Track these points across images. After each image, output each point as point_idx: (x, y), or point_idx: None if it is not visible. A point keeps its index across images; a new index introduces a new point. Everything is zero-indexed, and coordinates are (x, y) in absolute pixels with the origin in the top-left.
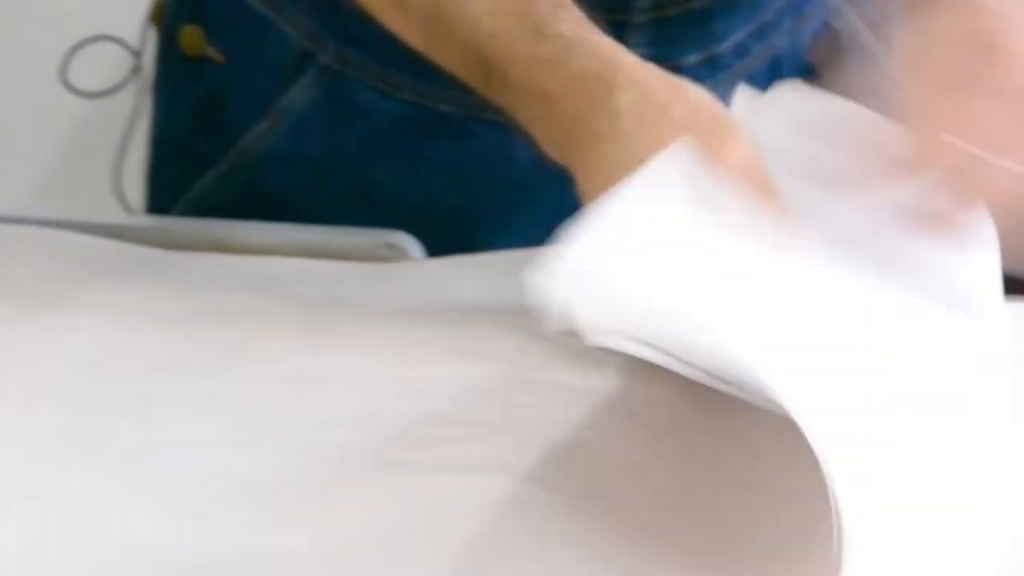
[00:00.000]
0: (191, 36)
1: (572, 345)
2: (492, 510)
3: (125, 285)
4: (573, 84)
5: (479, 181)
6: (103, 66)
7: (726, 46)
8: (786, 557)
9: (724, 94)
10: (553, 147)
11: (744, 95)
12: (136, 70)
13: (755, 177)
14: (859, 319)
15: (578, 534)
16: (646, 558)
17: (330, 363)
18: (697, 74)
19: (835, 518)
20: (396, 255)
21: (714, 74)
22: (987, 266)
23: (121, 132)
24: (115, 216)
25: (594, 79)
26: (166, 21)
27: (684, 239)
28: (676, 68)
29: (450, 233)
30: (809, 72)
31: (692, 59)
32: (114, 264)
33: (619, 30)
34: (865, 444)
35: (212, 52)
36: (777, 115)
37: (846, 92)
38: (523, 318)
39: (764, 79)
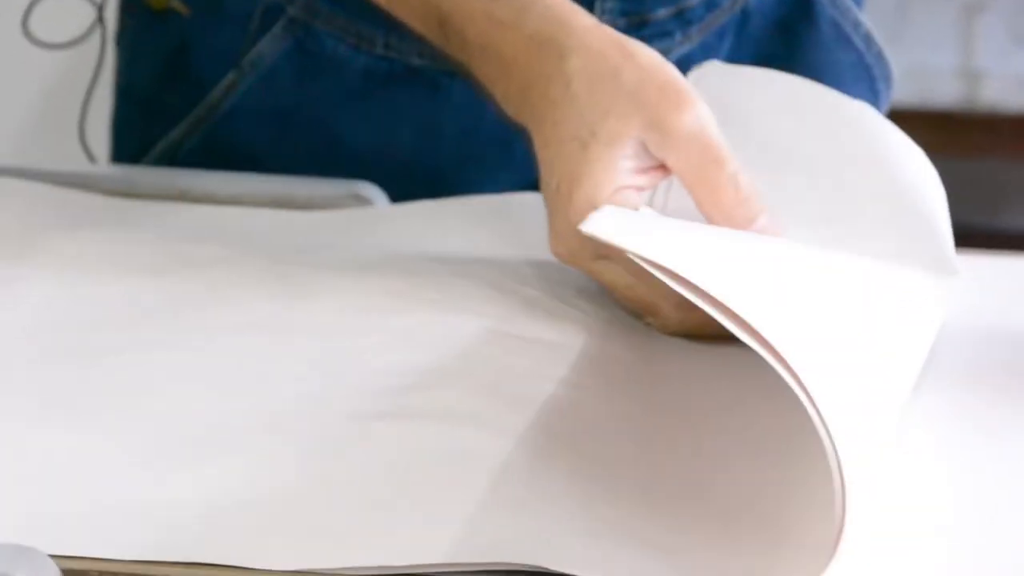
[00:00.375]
0: None
1: (531, 299)
2: (457, 459)
3: (91, 235)
4: (528, 47)
5: (450, 135)
6: (66, 17)
7: (695, 0)
8: (761, 501)
9: (695, 49)
10: (510, 107)
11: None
12: (99, 22)
13: (706, 142)
14: (830, 273)
15: (546, 486)
16: (619, 507)
17: (296, 313)
18: (666, 27)
19: (832, 457)
20: (362, 206)
21: (684, 27)
22: (943, 221)
23: (85, 84)
24: (81, 166)
25: (548, 43)
26: None
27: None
28: (645, 22)
29: (421, 187)
30: (778, 26)
31: (661, 13)
32: (80, 214)
33: None
34: (849, 385)
35: (177, 4)
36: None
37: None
38: (490, 270)
39: (733, 33)
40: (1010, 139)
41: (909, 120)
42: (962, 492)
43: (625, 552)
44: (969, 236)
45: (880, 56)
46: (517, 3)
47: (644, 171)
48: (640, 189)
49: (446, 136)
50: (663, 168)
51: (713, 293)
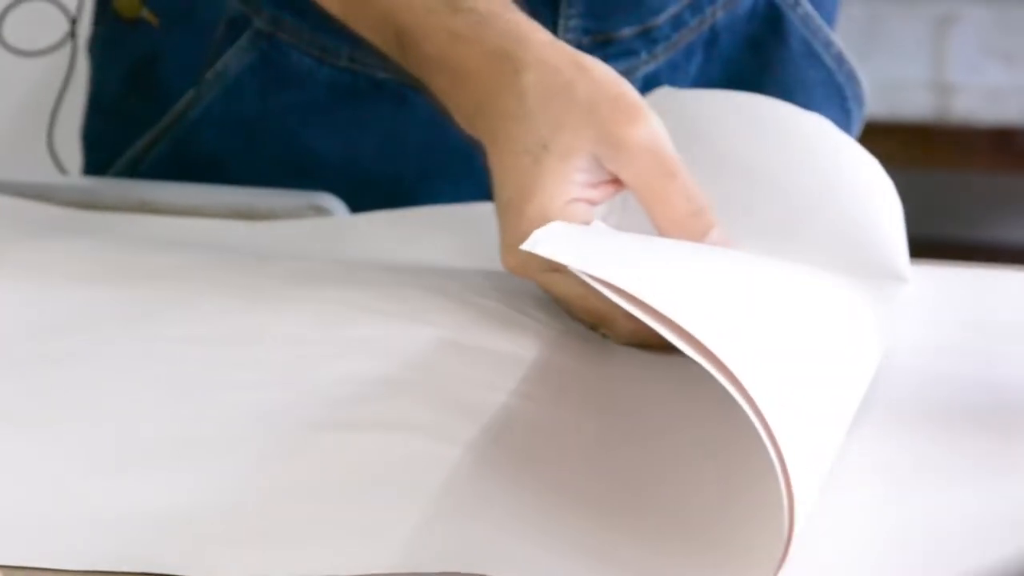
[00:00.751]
0: None
1: (487, 310)
2: (408, 469)
3: (49, 246)
4: (484, 61)
5: (414, 147)
6: (40, 26)
7: (662, 18)
8: (711, 511)
9: (661, 67)
10: (465, 121)
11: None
12: (71, 32)
13: (658, 155)
14: (768, 282)
15: (494, 494)
16: (568, 517)
17: (254, 323)
18: (631, 46)
19: (777, 464)
20: (322, 216)
21: (649, 46)
22: (893, 230)
23: (56, 93)
24: (43, 176)
25: (504, 57)
26: None
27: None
28: (610, 40)
29: (385, 198)
30: (748, 44)
31: (626, 31)
32: (39, 225)
33: (553, 1)
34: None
35: (147, 14)
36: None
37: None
38: (447, 281)
39: (702, 52)
40: (981, 152)
41: (881, 133)
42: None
43: (573, 561)
44: (941, 248)
45: (851, 75)
46: (475, 18)
47: (597, 185)
48: (592, 202)
49: (410, 148)
50: (616, 182)
51: (649, 303)
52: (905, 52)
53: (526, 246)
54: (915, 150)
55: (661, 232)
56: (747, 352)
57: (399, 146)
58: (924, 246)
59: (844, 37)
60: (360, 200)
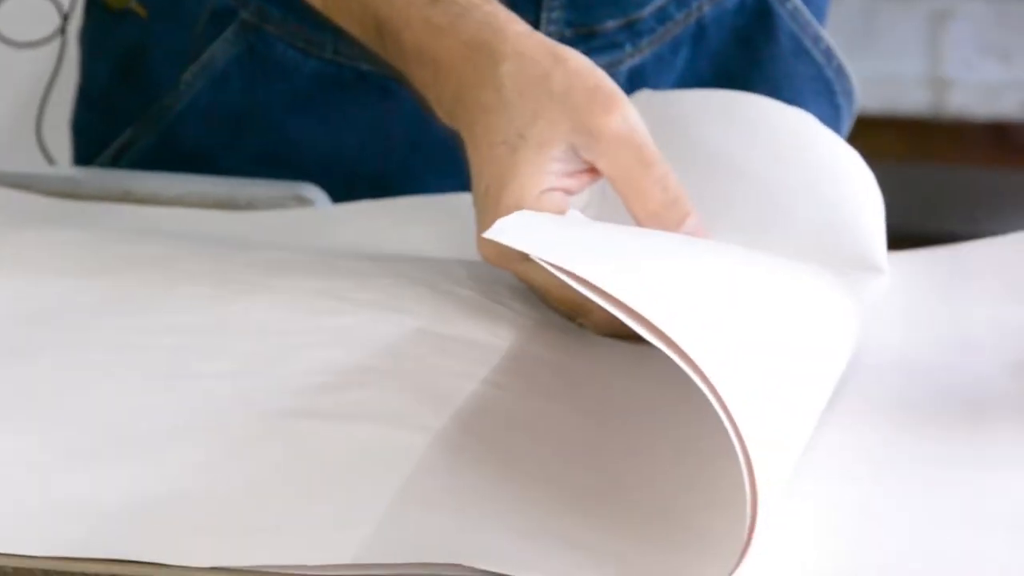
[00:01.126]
0: None
1: (464, 300)
2: (377, 457)
3: (31, 235)
4: (463, 53)
5: (399, 140)
6: (32, 17)
7: (646, 11)
8: (681, 501)
9: (647, 60)
10: (443, 112)
11: None
12: (63, 23)
13: (634, 143)
14: (742, 275)
15: (464, 485)
16: (536, 505)
17: (231, 313)
18: (615, 39)
19: (741, 456)
20: (304, 207)
21: (634, 39)
22: (872, 223)
23: (45, 84)
24: (29, 166)
25: (482, 48)
26: None
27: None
28: (593, 33)
29: (369, 190)
30: (737, 39)
31: (610, 24)
32: (21, 214)
33: None
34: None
35: (135, 6)
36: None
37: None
38: (425, 271)
39: (689, 46)
40: (976, 147)
41: (877, 128)
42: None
43: (541, 549)
44: (936, 242)
45: (840, 70)
46: (454, 9)
47: (573, 174)
48: (569, 191)
49: (395, 142)
50: (593, 171)
51: (610, 291)
52: (901, 47)
53: (490, 234)
54: (911, 145)
55: (637, 221)
56: (709, 340)
57: (384, 139)
58: (919, 240)
59: (840, 32)
60: (345, 193)
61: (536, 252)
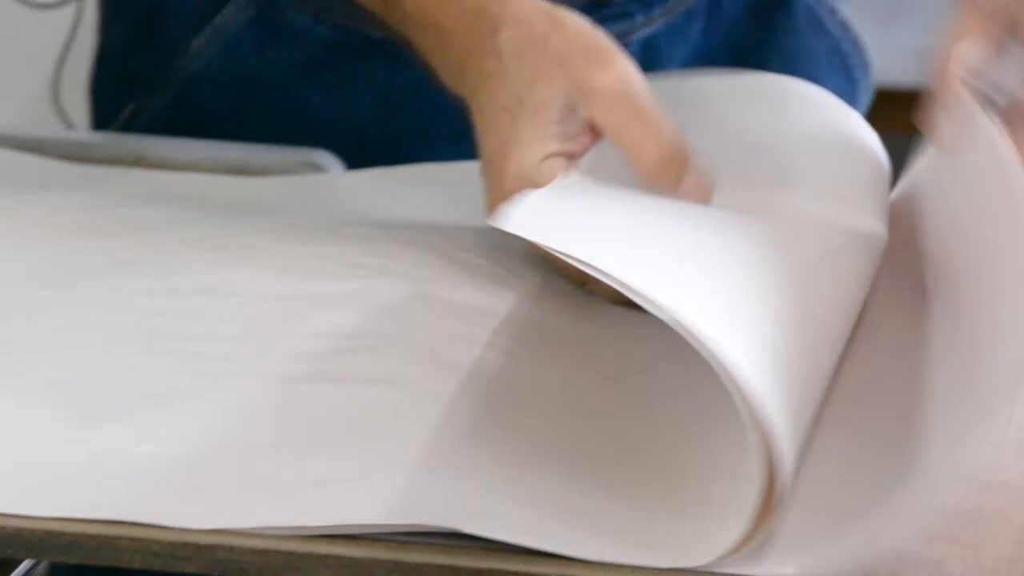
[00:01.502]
0: None
1: (472, 266)
2: (383, 423)
3: (38, 198)
4: (463, 19)
5: (410, 107)
6: None
7: None
8: (687, 466)
9: (659, 31)
10: (448, 78)
11: None
12: None
13: (630, 99)
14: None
15: (469, 449)
16: (543, 472)
17: (235, 276)
18: (627, 8)
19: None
20: (317, 174)
21: (646, 9)
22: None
23: (62, 46)
24: (42, 130)
25: (482, 16)
26: None
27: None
28: (605, 2)
29: (380, 158)
30: (751, 11)
31: None
32: (32, 178)
33: None
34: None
35: None
36: None
37: None
38: (434, 236)
39: (703, 17)
40: (1004, 119)
41: (905, 101)
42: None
43: (543, 515)
44: None
45: (856, 43)
46: None
47: (574, 136)
48: (571, 155)
49: (406, 108)
50: (593, 132)
51: (616, 277)
52: (930, 20)
53: (494, 223)
54: None
55: (637, 175)
56: (713, 312)
57: (394, 105)
58: None
59: (867, 5)
60: (356, 159)
61: (538, 239)
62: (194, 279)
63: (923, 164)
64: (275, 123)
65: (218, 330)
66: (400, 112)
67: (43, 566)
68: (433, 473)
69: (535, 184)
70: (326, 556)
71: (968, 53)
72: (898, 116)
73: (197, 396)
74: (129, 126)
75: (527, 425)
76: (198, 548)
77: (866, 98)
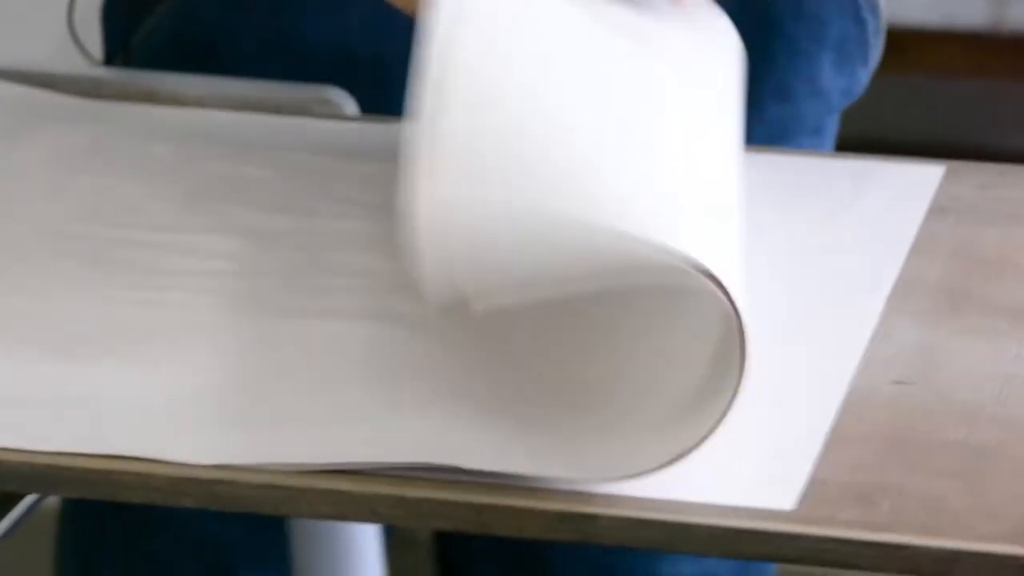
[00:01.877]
0: None
1: None
2: (386, 356)
3: (45, 135)
4: None
5: (399, 28)
6: None
7: None
8: (635, 387)
9: None
10: None
11: None
12: None
13: None
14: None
15: (438, 368)
16: (505, 390)
17: (233, 214)
18: None
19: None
20: (329, 111)
21: None
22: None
23: None
24: (60, 59)
25: None
26: None
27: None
28: None
29: (366, 79)
30: None
31: None
32: (42, 114)
33: None
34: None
35: None
36: None
37: None
38: None
39: None
40: None
41: (935, 42)
42: None
43: (503, 442)
44: (994, 157)
45: None
46: None
47: None
48: None
49: (395, 29)
50: None
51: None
52: None
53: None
54: (969, 58)
55: None
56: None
57: (383, 27)
58: (977, 154)
59: None
60: (345, 80)
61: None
62: (190, 216)
63: None
64: (269, 43)
65: (213, 267)
66: (390, 34)
67: (46, 502)
68: (403, 410)
69: None
70: (327, 491)
71: None
72: (927, 56)
73: (198, 332)
74: (140, 49)
75: (501, 355)
76: (198, 483)
77: (877, 41)
